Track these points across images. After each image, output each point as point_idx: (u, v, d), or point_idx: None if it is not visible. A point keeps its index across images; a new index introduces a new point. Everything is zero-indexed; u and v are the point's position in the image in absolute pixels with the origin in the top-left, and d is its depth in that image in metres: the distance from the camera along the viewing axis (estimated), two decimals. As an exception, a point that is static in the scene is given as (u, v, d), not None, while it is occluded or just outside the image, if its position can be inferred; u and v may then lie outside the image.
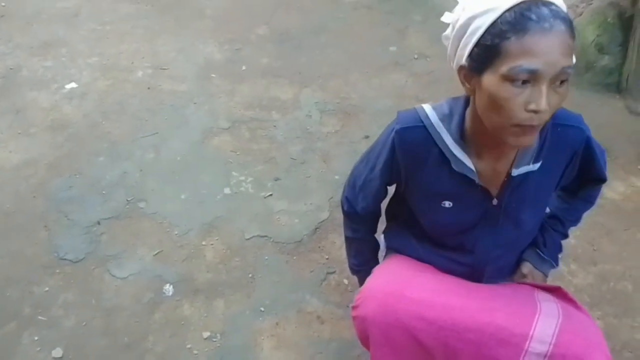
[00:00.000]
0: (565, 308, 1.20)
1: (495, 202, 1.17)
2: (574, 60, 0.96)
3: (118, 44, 3.36)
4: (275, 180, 2.45)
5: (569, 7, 3.12)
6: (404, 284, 1.22)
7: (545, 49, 0.91)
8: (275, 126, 2.77)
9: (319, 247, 2.14)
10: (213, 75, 3.14)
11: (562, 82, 0.96)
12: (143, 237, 2.16)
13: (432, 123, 1.14)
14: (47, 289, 1.95)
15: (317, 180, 2.45)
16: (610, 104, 2.98)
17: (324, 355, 1.77)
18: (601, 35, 3.01)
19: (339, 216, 2.23)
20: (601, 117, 2.84)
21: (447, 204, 1.19)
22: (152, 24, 3.59)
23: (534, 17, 0.90)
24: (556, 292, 1.28)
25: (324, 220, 2.24)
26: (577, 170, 1.24)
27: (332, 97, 2.98)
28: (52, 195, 2.32)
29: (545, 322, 1.15)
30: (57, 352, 1.76)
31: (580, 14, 3.11)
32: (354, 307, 1.28)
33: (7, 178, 2.40)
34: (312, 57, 3.32)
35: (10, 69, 3.11)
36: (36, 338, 1.80)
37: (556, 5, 0.93)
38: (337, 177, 2.44)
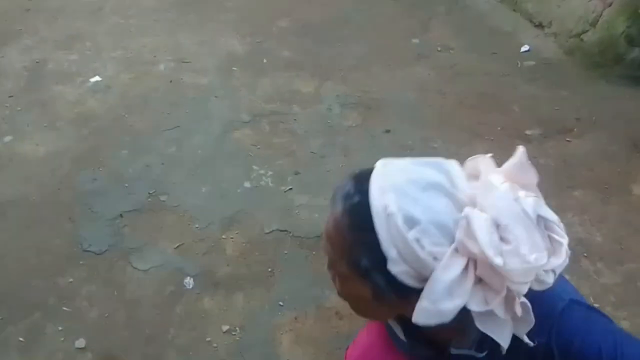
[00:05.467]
0: None
1: None
2: (350, 256, 0.78)
3: (141, 38, 3.39)
4: (296, 174, 2.44)
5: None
6: (394, 354, 1.13)
7: (327, 218, 0.82)
8: (295, 120, 2.76)
9: (339, 242, 2.13)
10: (234, 68, 3.14)
11: (333, 268, 0.83)
12: (164, 230, 2.18)
13: None
14: (71, 280, 1.99)
15: (338, 175, 2.43)
16: (640, 98, 2.89)
17: (342, 351, 1.75)
18: (631, 27, 2.92)
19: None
20: (630, 110, 2.76)
21: (403, 338, 1.04)
22: (174, 17, 3.61)
23: (338, 187, 0.82)
24: None
25: (344, 215, 2.23)
26: None
27: (353, 90, 2.95)
28: (76, 188, 2.36)
29: None
30: (80, 342, 1.79)
31: (610, 5, 3.02)
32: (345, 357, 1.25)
33: (33, 170, 2.45)
34: (333, 50, 3.29)
35: (37, 62, 3.16)
36: (60, 328, 1.83)
37: (365, 199, 0.75)
38: (357, 171, 2.42)
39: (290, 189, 2.37)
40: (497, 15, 3.64)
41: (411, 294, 0.74)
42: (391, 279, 0.74)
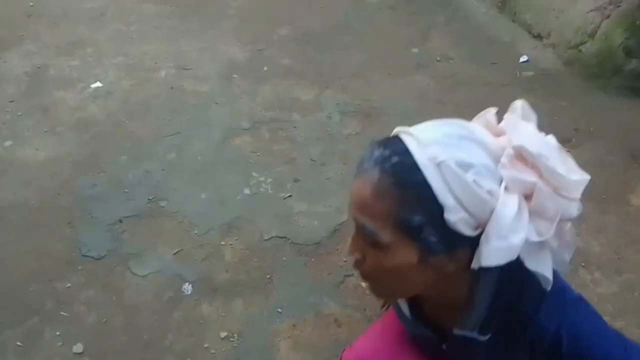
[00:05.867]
0: None
1: (444, 347, 1.00)
2: (402, 216, 0.73)
3: (142, 44, 3.40)
4: (295, 181, 2.45)
5: (597, 9, 3.07)
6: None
7: (352, 193, 0.78)
8: (295, 127, 2.77)
9: (338, 249, 2.13)
10: (235, 75, 3.16)
11: (371, 242, 0.77)
12: (163, 236, 2.18)
13: None
14: (69, 285, 1.99)
15: (337, 182, 2.44)
16: (638, 108, 2.90)
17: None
18: (629, 39, 2.94)
19: (358, 219, 2.24)
20: (628, 121, 2.78)
21: (406, 325, 1.06)
22: (175, 24, 3.63)
23: (363, 157, 0.79)
24: None
25: (343, 223, 2.24)
26: None
27: (353, 98, 2.97)
28: (76, 193, 2.36)
29: None
30: (78, 347, 1.79)
31: (608, 17, 3.05)
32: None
33: (33, 175, 2.45)
34: (334, 58, 3.31)
35: (38, 67, 3.17)
36: (58, 333, 1.83)
37: (406, 158, 0.73)
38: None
39: (290, 196, 2.37)
40: (496, 26, 3.67)
41: (461, 247, 0.74)
42: (444, 233, 0.73)
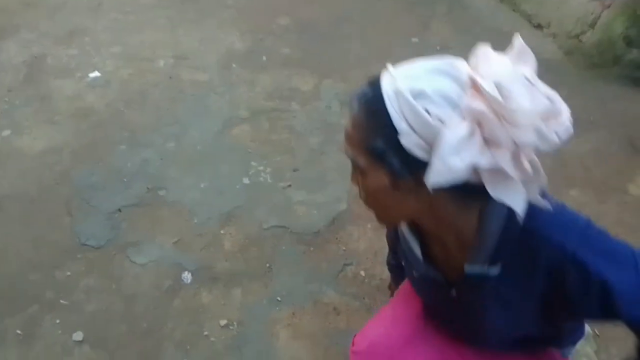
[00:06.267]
0: None
1: (454, 293, 1.02)
2: (375, 148, 0.82)
3: (140, 34, 3.39)
4: (294, 171, 2.45)
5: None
6: (403, 348, 1.18)
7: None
8: (295, 117, 2.76)
9: (336, 238, 2.14)
10: (234, 65, 3.14)
11: (356, 169, 0.88)
12: (163, 225, 2.18)
13: None
14: (69, 273, 1.99)
15: (336, 172, 2.44)
16: (638, 98, 2.90)
17: (339, 346, 1.78)
18: (630, 28, 2.93)
19: (357, 208, 2.24)
20: (628, 111, 2.78)
21: (415, 273, 1.11)
22: (173, 13, 3.61)
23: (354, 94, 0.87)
24: None
25: (341, 212, 2.24)
26: (591, 306, 0.85)
27: (352, 88, 2.94)
28: (75, 182, 2.36)
29: None
30: (78, 335, 1.80)
31: (608, 7, 3.03)
32: (352, 351, 1.25)
33: (31, 165, 2.44)
34: (333, 48, 3.30)
35: (35, 57, 3.16)
36: (58, 321, 1.84)
37: (377, 91, 0.81)
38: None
39: (289, 185, 2.37)
40: (497, 16, 3.65)
41: (423, 171, 0.77)
42: (404, 157, 0.79)
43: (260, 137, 2.63)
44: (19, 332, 1.79)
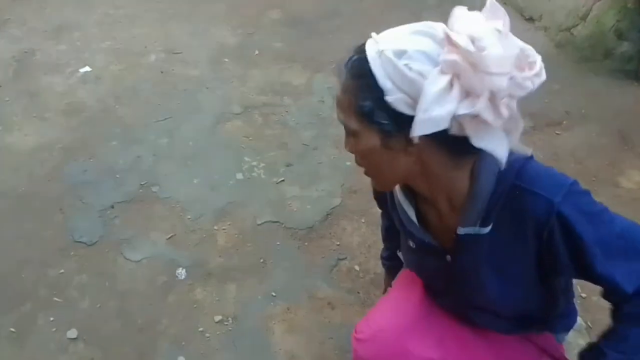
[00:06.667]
0: None
1: (449, 258, 1.05)
2: (364, 111, 0.86)
3: (131, 28, 3.36)
4: (288, 166, 2.45)
5: (588, -8, 3.06)
6: (408, 334, 1.19)
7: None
8: (287, 112, 2.76)
9: (330, 233, 2.14)
10: (226, 59, 3.13)
11: (348, 133, 0.92)
12: (156, 221, 2.17)
13: None
14: (62, 271, 1.98)
15: (329, 167, 2.44)
16: (629, 91, 2.92)
17: (334, 341, 1.78)
18: (621, 21, 2.94)
19: (351, 202, 2.24)
20: (619, 104, 2.79)
21: (412, 244, 1.12)
22: (165, 8, 3.58)
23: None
24: None
25: (335, 207, 2.24)
26: (572, 262, 0.90)
27: (345, 82, 2.95)
28: (67, 179, 2.34)
29: None
30: (72, 332, 1.79)
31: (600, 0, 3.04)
32: (356, 338, 1.25)
33: (22, 161, 2.43)
34: (325, 42, 3.29)
35: (25, 52, 3.12)
36: (51, 319, 1.83)
37: (362, 55, 0.86)
38: (348, 163, 2.43)
39: (282, 180, 2.37)
40: (488, 9, 3.65)
41: (410, 127, 0.81)
42: (392, 114, 0.83)
43: (253, 132, 2.62)
44: (12, 330, 1.79)
